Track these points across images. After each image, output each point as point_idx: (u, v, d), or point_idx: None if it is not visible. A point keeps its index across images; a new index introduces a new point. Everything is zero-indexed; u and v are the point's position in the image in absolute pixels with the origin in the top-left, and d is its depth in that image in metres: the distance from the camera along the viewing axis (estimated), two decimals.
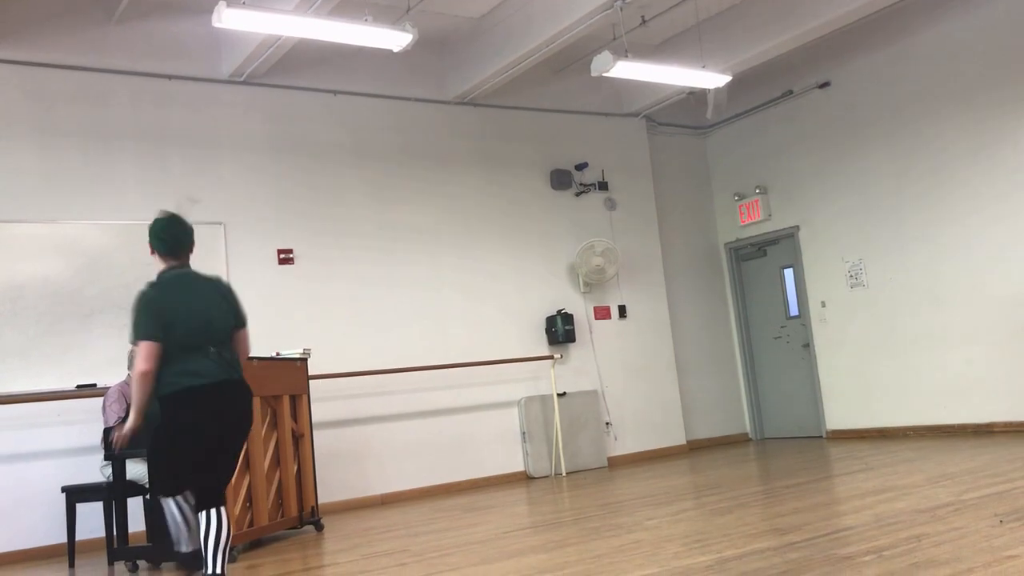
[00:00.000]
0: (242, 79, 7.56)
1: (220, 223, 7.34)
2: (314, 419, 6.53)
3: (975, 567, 3.21)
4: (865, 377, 9.01)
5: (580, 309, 9.11)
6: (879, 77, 8.79)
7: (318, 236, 7.83)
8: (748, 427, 10.27)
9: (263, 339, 7.09)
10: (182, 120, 7.37)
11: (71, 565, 5.57)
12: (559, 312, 8.87)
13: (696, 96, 9.43)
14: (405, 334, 7.95)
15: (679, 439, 9.56)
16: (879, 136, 8.80)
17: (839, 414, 9.30)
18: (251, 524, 5.54)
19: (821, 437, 9.44)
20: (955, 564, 3.29)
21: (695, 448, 9.65)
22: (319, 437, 6.73)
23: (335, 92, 8.07)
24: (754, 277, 10.29)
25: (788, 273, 9.91)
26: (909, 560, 3.43)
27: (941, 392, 8.35)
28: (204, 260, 7.24)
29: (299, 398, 6.29)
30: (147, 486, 5.35)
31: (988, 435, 7.82)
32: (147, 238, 4.04)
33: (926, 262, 8.45)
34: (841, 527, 4.32)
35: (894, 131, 8.66)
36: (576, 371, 8.97)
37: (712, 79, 8.42)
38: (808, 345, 9.63)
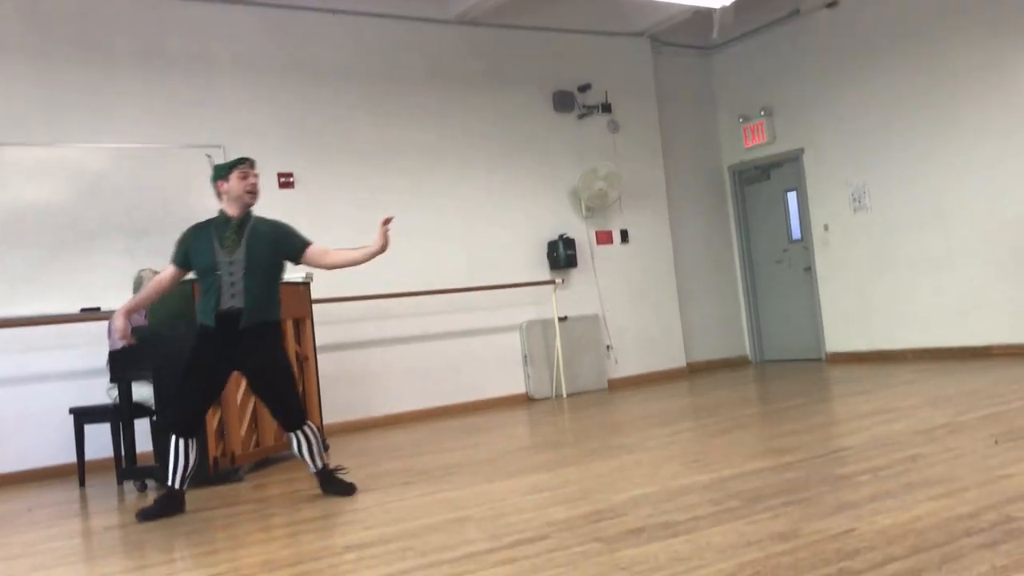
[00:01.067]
0: None
1: (219, 146, 7.27)
2: (318, 342, 6.57)
3: (969, 486, 3.27)
4: (865, 300, 9.03)
5: (582, 234, 9.09)
6: None
7: (319, 159, 7.77)
8: (748, 350, 10.34)
9: None
10: (182, 41, 7.24)
11: (81, 484, 5.68)
12: (561, 237, 8.85)
13: (702, 15, 9.23)
14: (407, 259, 7.94)
15: (679, 362, 9.64)
16: (886, 58, 8.65)
17: (839, 337, 9.35)
18: (257, 445, 5.63)
19: (820, 360, 9.51)
20: (949, 483, 3.35)
21: (695, 371, 9.74)
22: (323, 360, 6.78)
23: (334, 11, 7.91)
24: (757, 201, 10.24)
25: (791, 196, 9.85)
26: (905, 480, 3.49)
27: (941, 315, 8.38)
28: (203, 185, 7.22)
29: (302, 322, 6.32)
30: (152, 408, 5.43)
31: (987, 357, 7.88)
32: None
33: (929, 185, 8.39)
34: (838, 448, 4.39)
35: (901, 52, 8.51)
36: (578, 296, 9.00)
37: None
38: (809, 269, 9.63)
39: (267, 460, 5.85)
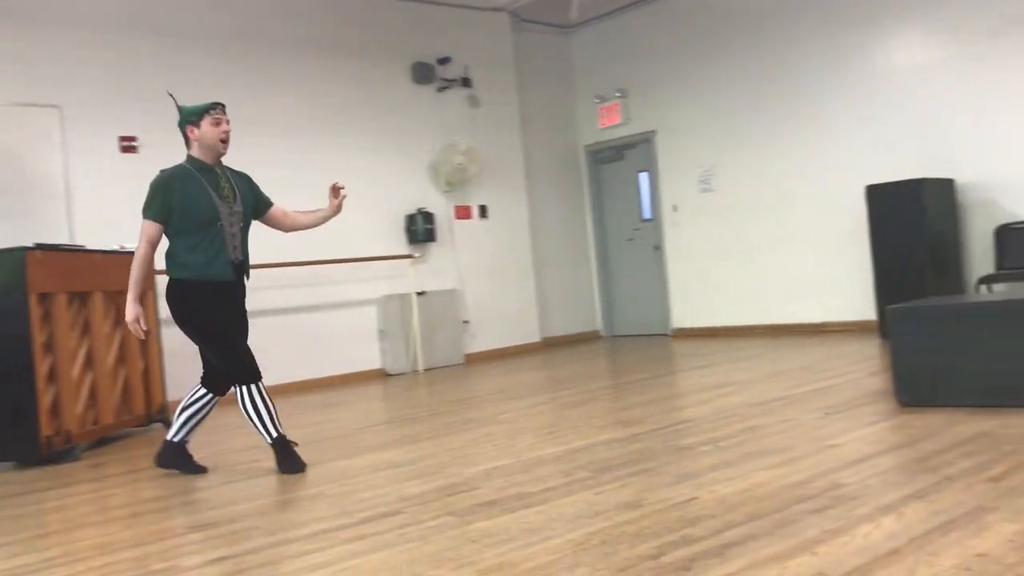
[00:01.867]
0: None
1: (56, 106, 6.83)
2: (162, 315, 6.29)
3: (802, 455, 3.46)
4: (711, 278, 9.41)
5: (441, 208, 9.06)
6: None
7: (165, 125, 7.38)
8: (600, 325, 10.61)
9: (105, 232, 6.73)
10: None
11: None
12: (419, 211, 8.79)
13: None
14: (260, 229, 7.68)
15: (534, 336, 9.79)
16: (737, 43, 8.98)
17: (685, 313, 9.71)
18: (95, 422, 5.36)
19: (667, 335, 9.86)
20: (784, 453, 3.54)
21: (549, 345, 9.91)
22: (168, 334, 6.50)
23: None
24: (611, 180, 10.47)
25: (643, 177, 10.13)
26: (743, 450, 3.66)
27: (780, 293, 8.83)
28: (38, 147, 6.78)
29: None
30: None
31: (821, 334, 8.36)
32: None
33: (772, 169, 8.80)
34: (682, 419, 4.56)
35: (752, 38, 8.86)
36: (436, 270, 8.98)
37: None
38: (659, 247, 9.95)
39: (106, 439, 5.58)
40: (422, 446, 4.48)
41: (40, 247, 5.03)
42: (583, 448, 4.01)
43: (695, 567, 2.28)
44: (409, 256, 8.58)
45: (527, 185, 9.91)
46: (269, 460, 4.37)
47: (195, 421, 4.30)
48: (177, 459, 4.33)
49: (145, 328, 4.10)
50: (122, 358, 5.75)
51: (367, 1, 8.68)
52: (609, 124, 10.19)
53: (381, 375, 8.47)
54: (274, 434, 4.14)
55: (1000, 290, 7.01)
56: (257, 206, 4.34)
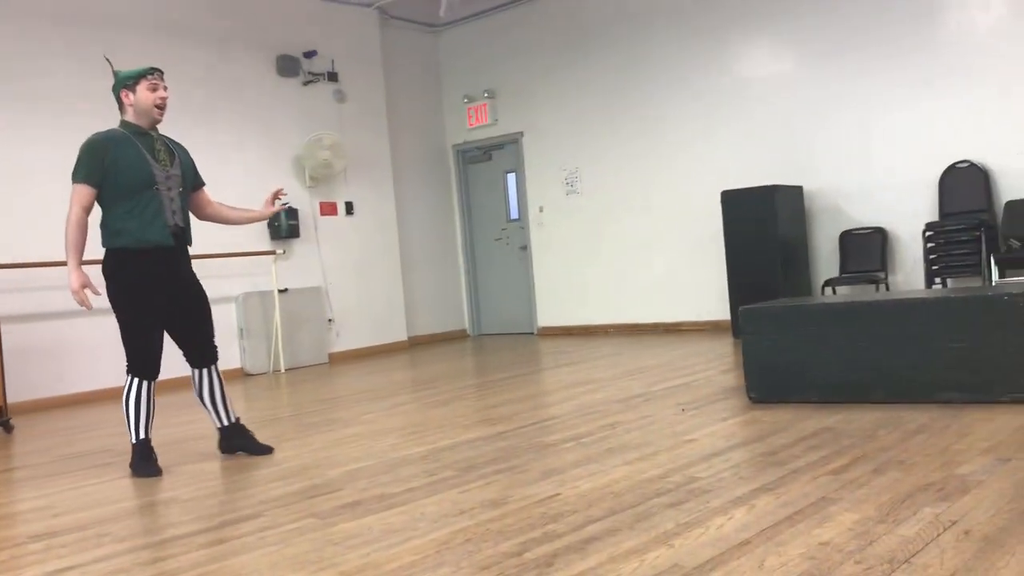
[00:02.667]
0: None
1: None
2: (2, 312, 5.92)
3: (660, 450, 3.57)
4: (575, 278, 9.59)
5: (305, 204, 8.88)
6: None
7: (8, 107, 6.97)
8: (467, 324, 10.64)
9: None
10: None
11: None
12: (283, 206, 8.59)
13: None
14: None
15: (401, 335, 9.72)
16: (601, 48, 9.18)
17: (550, 312, 9.87)
18: None
19: (533, 334, 9.99)
20: (643, 448, 3.64)
21: (416, 344, 9.87)
22: (9, 331, 6.13)
23: None
24: (479, 180, 10.52)
25: (511, 177, 10.22)
26: (605, 445, 3.75)
27: (640, 293, 9.09)
28: None
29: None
30: None
31: (677, 333, 8.65)
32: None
33: (633, 173, 9.04)
34: (546, 417, 4.63)
35: (614, 44, 9.07)
36: (299, 267, 8.79)
37: None
38: (526, 247, 10.07)
39: None
40: (283, 447, 4.38)
41: None
42: (448, 447, 4.01)
43: (557, 562, 2.32)
44: (271, 252, 8.37)
45: (395, 182, 9.84)
46: (123, 462, 4.18)
47: (208, 403, 4.18)
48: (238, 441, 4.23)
49: (94, 294, 3.85)
50: None
51: None
52: (478, 124, 10.23)
53: (241, 375, 8.23)
54: (140, 437, 3.96)
55: (843, 292, 7.44)
56: (193, 179, 4.15)
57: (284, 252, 8.56)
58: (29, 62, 7.11)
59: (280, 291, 8.40)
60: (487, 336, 10.44)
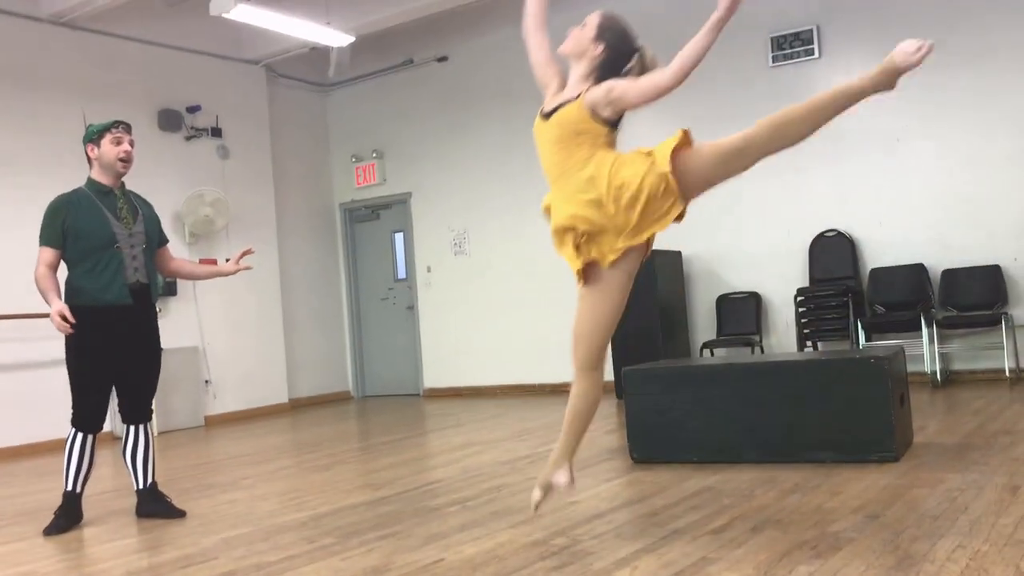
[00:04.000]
0: None
1: None
2: None
3: (543, 513, 3.56)
4: (462, 338, 9.58)
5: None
6: (494, 56, 9.30)
7: None
8: (351, 385, 10.46)
9: None
10: None
11: None
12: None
13: (319, 52, 9.31)
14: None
15: (282, 397, 9.47)
16: (488, 113, 9.33)
17: (436, 373, 9.81)
18: None
19: (419, 395, 9.89)
20: (528, 511, 3.62)
21: (297, 406, 9.63)
22: None
23: None
24: (367, 239, 10.46)
25: (399, 237, 10.20)
26: (490, 509, 3.72)
27: (525, 354, 9.14)
28: None
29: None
30: None
31: (563, 393, 8.68)
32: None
33: (519, 235, 9.15)
34: (431, 480, 4.57)
35: (500, 110, 9.23)
36: (175, 325, 8.48)
37: (336, 37, 8.39)
38: (412, 307, 10.02)
39: None
40: (154, 519, 4.17)
41: None
42: (329, 513, 3.91)
43: None
44: None
45: (279, 240, 9.68)
46: (19, 531, 3.91)
47: (129, 461, 4.13)
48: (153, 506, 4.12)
49: (72, 320, 3.80)
50: None
51: (115, 43, 8.21)
52: (366, 184, 10.21)
53: (108, 439, 7.83)
54: (69, 488, 4.01)
55: (720, 354, 7.68)
56: (157, 236, 4.18)
57: (160, 310, 8.24)
58: None
59: None
60: (372, 398, 10.28)
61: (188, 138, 8.80)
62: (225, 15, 7.33)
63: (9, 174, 7.31)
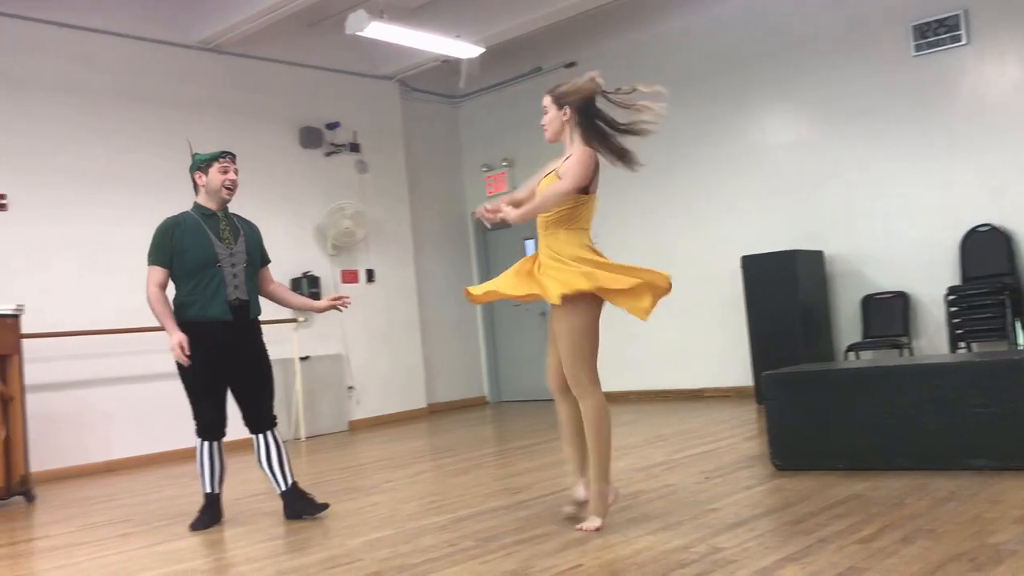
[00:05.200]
0: None
1: None
2: (27, 381, 5.97)
3: (683, 520, 3.52)
4: None
5: (327, 272, 8.96)
6: (621, 61, 9.27)
7: (36, 182, 7.13)
8: (486, 390, 10.60)
9: None
10: None
11: None
12: (305, 274, 8.67)
13: (450, 64, 9.50)
14: (132, 293, 7.43)
15: (420, 402, 9.69)
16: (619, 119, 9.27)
17: None
18: None
19: (553, 400, 9.89)
20: (666, 518, 3.59)
21: (435, 411, 9.83)
22: (32, 400, 6.17)
23: (60, 24, 7.34)
24: (498, 247, 10.59)
25: (529, 244, 10.27)
26: (627, 516, 3.70)
27: (662, 359, 9.04)
28: None
29: (9, 358, 5.73)
30: None
31: (700, 399, 8.57)
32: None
33: (655, 238, 9.07)
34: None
35: (629, 113, 9.16)
36: (320, 335, 8.83)
37: (465, 49, 8.54)
38: (545, 312, 10.06)
39: None
40: (303, 517, 4.34)
41: None
42: (469, 516, 3.97)
43: None
44: (293, 320, 8.42)
45: (415, 249, 9.92)
46: (142, 533, 4.16)
47: (265, 467, 4.35)
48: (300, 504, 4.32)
49: (188, 353, 4.07)
50: None
51: (255, 65, 8.63)
52: (496, 192, 10.33)
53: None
54: (206, 490, 4.29)
55: (867, 357, 7.37)
56: (259, 256, 4.44)
57: (305, 320, 8.61)
58: (54, 138, 7.28)
59: (301, 359, 8.43)
60: (507, 403, 10.38)
61: (328, 154, 9.14)
62: (360, 33, 7.57)
63: (153, 193, 7.74)
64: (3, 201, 6.91)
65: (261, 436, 4.34)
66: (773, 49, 8.29)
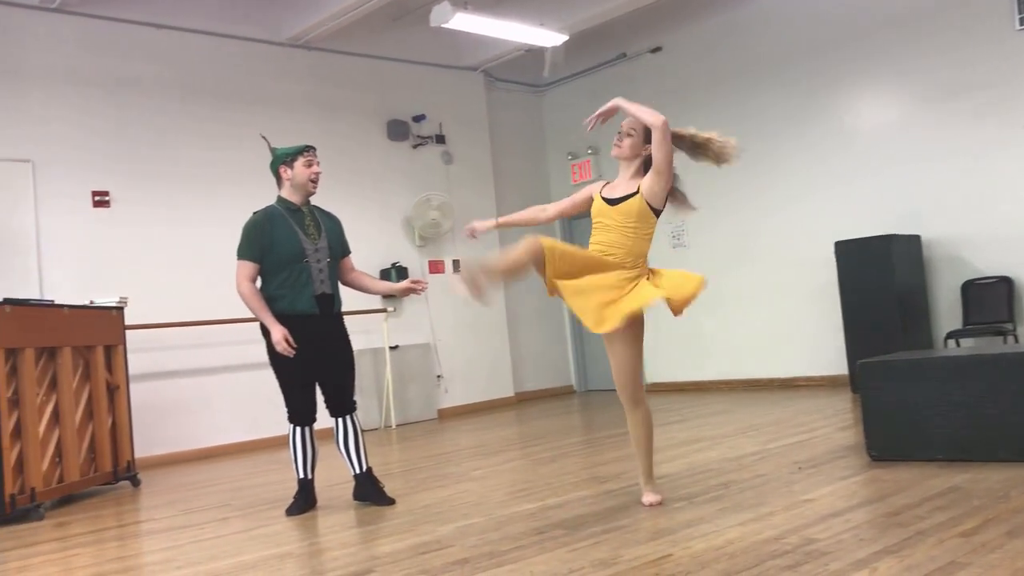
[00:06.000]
0: (54, 6, 7.01)
1: (27, 161, 6.83)
2: (131, 371, 6.23)
3: (776, 511, 3.46)
4: (683, 333, 9.44)
5: (415, 262, 9.08)
6: (708, 45, 9.13)
7: (137, 178, 7.42)
8: (573, 379, 10.59)
9: (76, 286, 6.69)
10: None
11: None
12: (393, 265, 8.80)
13: (534, 53, 9.48)
14: (229, 284, 7.67)
15: (507, 391, 9.75)
16: (706, 103, 9.14)
17: (659, 368, 9.73)
18: (60, 480, 5.25)
19: None
20: (758, 508, 3.53)
21: (523, 400, 9.88)
22: (136, 389, 6.43)
23: (159, 26, 7.61)
24: (584, 236, 10.52)
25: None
26: (718, 506, 3.66)
27: (753, 348, 8.88)
28: (8, 202, 6.74)
29: (114, 349, 5.98)
30: None
31: (792, 388, 8.40)
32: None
33: (743, 225, 8.91)
34: (657, 475, 4.54)
35: (720, 98, 9.02)
36: (409, 325, 8.96)
37: (549, 37, 8.52)
38: None
39: (71, 497, 5.47)
40: (367, 502, 4.42)
41: (8, 302, 4.98)
42: (557, 505, 3.98)
43: None
44: (383, 311, 8.56)
45: (500, 240, 9.96)
46: (241, 517, 4.30)
47: (343, 450, 4.47)
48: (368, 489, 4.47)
49: (294, 345, 4.21)
50: (90, 414, 5.66)
51: (341, 60, 8.79)
52: (581, 180, 10.29)
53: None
54: (300, 476, 4.41)
55: (968, 345, 7.11)
56: (340, 249, 4.54)
57: (395, 310, 8.75)
58: (153, 136, 7.55)
59: (391, 348, 8.57)
60: (594, 392, 10.36)
61: (415, 146, 9.25)
62: (444, 25, 7.63)
63: (245, 188, 7.93)
64: (107, 197, 7.21)
65: (341, 420, 4.45)
66: (866, 26, 8.03)
